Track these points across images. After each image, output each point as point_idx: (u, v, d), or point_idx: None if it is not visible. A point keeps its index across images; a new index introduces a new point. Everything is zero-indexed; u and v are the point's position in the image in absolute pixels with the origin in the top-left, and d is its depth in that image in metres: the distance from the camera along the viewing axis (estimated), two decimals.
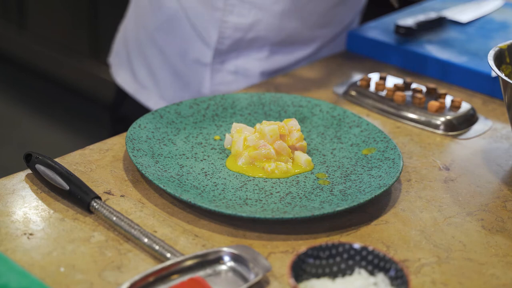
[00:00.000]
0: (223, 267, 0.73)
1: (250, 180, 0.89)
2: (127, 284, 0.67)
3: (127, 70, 1.38)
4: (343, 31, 1.33)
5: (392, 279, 0.67)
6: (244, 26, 1.22)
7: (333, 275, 0.69)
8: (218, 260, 0.73)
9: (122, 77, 1.39)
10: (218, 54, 1.26)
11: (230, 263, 0.73)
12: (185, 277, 0.70)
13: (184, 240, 0.78)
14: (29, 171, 0.87)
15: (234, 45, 1.25)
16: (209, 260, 0.73)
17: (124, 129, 0.96)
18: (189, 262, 0.72)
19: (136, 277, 0.68)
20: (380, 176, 0.88)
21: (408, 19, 1.32)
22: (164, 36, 1.29)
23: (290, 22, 1.24)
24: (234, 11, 1.22)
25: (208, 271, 0.72)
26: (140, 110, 1.32)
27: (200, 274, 0.71)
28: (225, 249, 0.73)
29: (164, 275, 0.70)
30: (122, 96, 1.40)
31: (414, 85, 1.15)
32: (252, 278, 0.70)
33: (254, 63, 1.26)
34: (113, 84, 1.43)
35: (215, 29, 1.23)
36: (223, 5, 1.21)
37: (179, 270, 0.71)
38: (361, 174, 0.90)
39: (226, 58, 1.26)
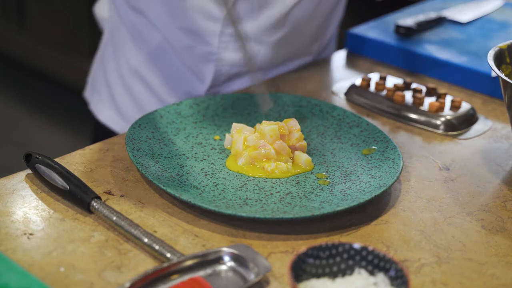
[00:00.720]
0: (223, 267, 0.73)
1: (250, 180, 0.89)
2: (128, 284, 0.67)
3: (110, 108, 1.29)
4: (329, 41, 1.31)
5: (392, 279, 0.67)
6: (241, 61, 1.17)
7: (333, 275, 0.69)
8: (218, 260, 0.73)
9: (106, 116, 1.29)
10: (212, 88, 1.20)
11: (230, 263, 0.73)
12: (185, 277, 0.70)
13: (184, 240, 0.78)
14: (29, 171, 0.87)
15: (230, 78, 1.21)
16: (209, 260, 0.73)
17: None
18: (189, 262, 0.72)
19: (136, 277, 0.68)
20: (380, 176, 0.88)
21: (408, 19, 1.32)
22: (151, 70, 1.22)
23: (285, 48, 1.20)
24: (229, 47, 1.16)
25: (208, 271, 0.72)
26: None
27: (200, 274, 0.71)
28: (225, 249, 0.73)
29: (164, 275, 0.70)
30: (104, 134, 1.29)
31: (414, 85, 1.15)
32: (252, 278, 0.70)
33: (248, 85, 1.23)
34: None
35: (211, 67, 1.17)
36: (218, 42, 1.15)
37: (179, 270, 0.71)
38: (361, 174, 0.90)
39: (220, 89, 1.21)
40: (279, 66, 1.24)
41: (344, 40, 1.34)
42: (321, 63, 1.29)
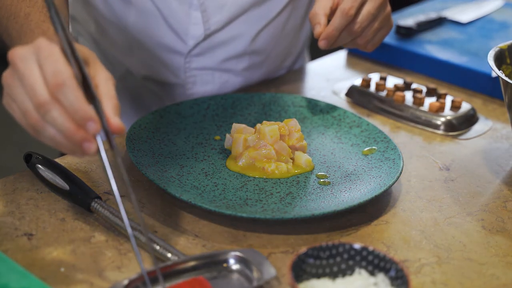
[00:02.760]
0: (228, 270, 0.72)
1: (250, 180, 0.89)
2: (130, 279, 0.67)
3: None
4: (300, 53, 1.27)
5: (393, 279, 0.67)
6: (212, 91, 1.15)
7: (333, 275, 0.69)
8: (224, 262, 0.73)
9: None
10: None
11: (236, 266, 0.73)
12: (189, 277, 0.70)
13: (184, 240, 0.78)
14: (29, 171, 0.87)
15: None
16: (214, 262, 0.72)
17: None
18: (195, 263, 0.71)
19: (140, 273, 0.68)
20: (380, 176, 0.88)
21: (408, 19, 1.32)
22: (120, 93, 1.15)
23: (255, 72, 1.17)
24: (197, 81, 1.14)
25: (214, 272, 0.72)
26: None
27: (204, 275, 0.71)
28: (231, 251, 0.73)
29: (167, 273, 0.70)
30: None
31: (414, 85, 1.15)
32: (255, 283, 0.70)
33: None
34: None
35: (182, 96, 1.15)
36: (184, 77, 1.13)
37: (183, 269, 0.71)
38: (361, 174, 0.90)
39: None
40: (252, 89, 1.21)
41: None
42: (321, 63, 1.29)
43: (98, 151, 0.68)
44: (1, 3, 0.85)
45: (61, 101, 0.66)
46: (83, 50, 0.71)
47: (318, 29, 0.95)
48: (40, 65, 0.66)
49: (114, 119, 0.67)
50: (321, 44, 0.95)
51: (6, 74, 0.69)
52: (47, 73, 0.66)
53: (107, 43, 1.15)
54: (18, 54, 0.68)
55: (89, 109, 0.65)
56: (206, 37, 1.09)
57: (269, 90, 1.15)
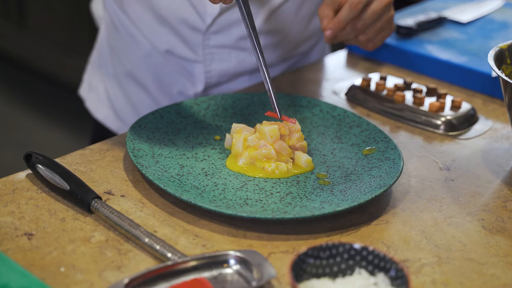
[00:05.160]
0: (228, 270, 0.72)
1: (250, 180, 0.89)
2: (130, 278, 0.67)
3: (107, 107, 1.29)
4: (317, 42, 1.29)
5: (393, 279, 0.67)
6: (229, 69, 1.18)
7: (333, 275, 0.69)
8: (224, 262, 0.73)
9: (104, 114, 1.30)
10: (204, 91, 1.21)
11: (236, 267, 0.73)
12: (190, 277, 0.70)
13: (185, 240, 0.78)
14: (29, 171, 0.87)
15: (220, 83, 1.21)
16: (215, 262, 0.72)
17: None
18: (196, 263, 0.71)
19: (139, 272, 0.68)
20: (381, 176, 0.88)
21: (408, 19, 1.32)
22: (144, 72, 1.21)
23: (270, 53, 1.20)
24: (215, 58, 1.17)
25: (214, 273, 0.72)
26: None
27: (205, 275, 0.71)
28: (231, 252, 0.73)
29: (168, 273, 0.70)
30: (102, 133, 1.31)
31: (414, 85, 1.15)
32: (255, 284, 0.70)
33: (238, 86, 1.23)
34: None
35: (201, 78, 1.18)
36: (202, 54, 1.16)
37: (184, 269, 0.71)
38: (361, 174, 0.90)
39: (212, 91, 1.21)
40: (271, 67, 1.23)
41: None
42: (321, 63, 1.29)
43: None
44: None
45: None
46: None
47: (325, 22, 1.02)
48: None
49: None
50: (327, 34, 1.02)
51: None
52: None
53: (133, 18, 1.19)
54: None
55: None
56: (223, 11, 1.12)
57: None
